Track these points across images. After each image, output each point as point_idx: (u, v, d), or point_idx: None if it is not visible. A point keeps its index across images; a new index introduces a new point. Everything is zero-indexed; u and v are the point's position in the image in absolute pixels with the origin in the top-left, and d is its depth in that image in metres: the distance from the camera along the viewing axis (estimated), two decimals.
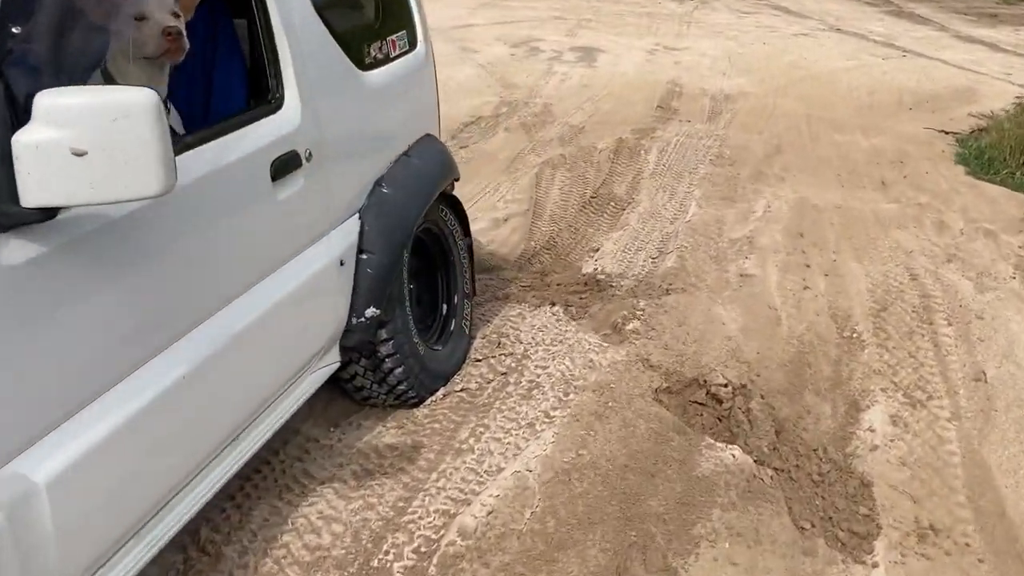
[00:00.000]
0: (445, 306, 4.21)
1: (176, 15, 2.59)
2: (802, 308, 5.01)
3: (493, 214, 6.58)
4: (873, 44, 13.43)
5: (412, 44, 4.05)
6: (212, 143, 2.67)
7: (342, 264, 3.34)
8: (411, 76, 3.98)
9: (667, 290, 5.19)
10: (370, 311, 3.48)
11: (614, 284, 5.30)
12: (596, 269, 5.69)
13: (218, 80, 3.24)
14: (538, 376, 4.08)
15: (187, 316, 2.56)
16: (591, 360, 4.23)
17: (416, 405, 3.88)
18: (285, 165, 2.97)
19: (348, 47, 3.44)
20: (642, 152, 7.89)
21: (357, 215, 3.48)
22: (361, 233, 3.47)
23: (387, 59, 3.77)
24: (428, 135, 4.10)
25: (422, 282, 4.18)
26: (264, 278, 2.95)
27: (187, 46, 2.57)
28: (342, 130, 3.33)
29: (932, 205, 6.84)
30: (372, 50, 3.65)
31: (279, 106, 3.03)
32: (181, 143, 2.48)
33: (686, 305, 4.96)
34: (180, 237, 2.52)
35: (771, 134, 8.60)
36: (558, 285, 5.32)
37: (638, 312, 4.77)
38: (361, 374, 3.70)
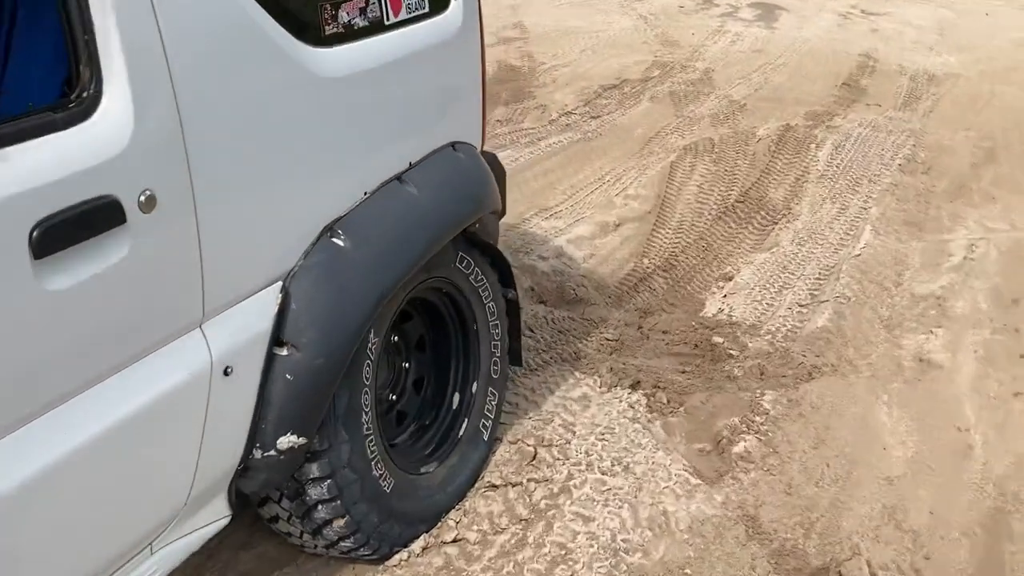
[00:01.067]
0: (457, 397, 2.72)
1: None
2: (1009, 432, 3.26)
3: (603, 215, 4.99)
4: None
5: (437, 2, 2.52)
6: None
7: (228, 373, 1.92)
8: (429, 54, 2.44)
9: (810, 370, 3.53)
10: (286, 440, 2.05)
11: (736, 350, 3.66)
12: (720, 312, 4.07)
13: (16, 60, 1.83)
14: (575, 535, 2.55)
15: None
16: (665, 513, 2.65)
17: (378, 561, 2.45)
18: (79, 226, 1.55)
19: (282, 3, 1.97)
20: (812, 145, 6.06)
21: (278, 286, 2.04)
22: (281, 317, 2.03)
23: (375, 26, 2.26)
24: (453, 145, 2.57)
25: (424, 359, 2.74)
26: (41, 415, 1.57)
27: None
28: (244, 148, 1.88)
29: None
30: (340, 11, 2.15)
31: (86, 113, 1.60)
32: None
33: (833, 405, 3.30)
34: None
35: (983, 133, 6.54)
36: (658, 339, 3.74)
37: (759, 415, 3.15)
38: (285, 517, 2.30)
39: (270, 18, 1.92)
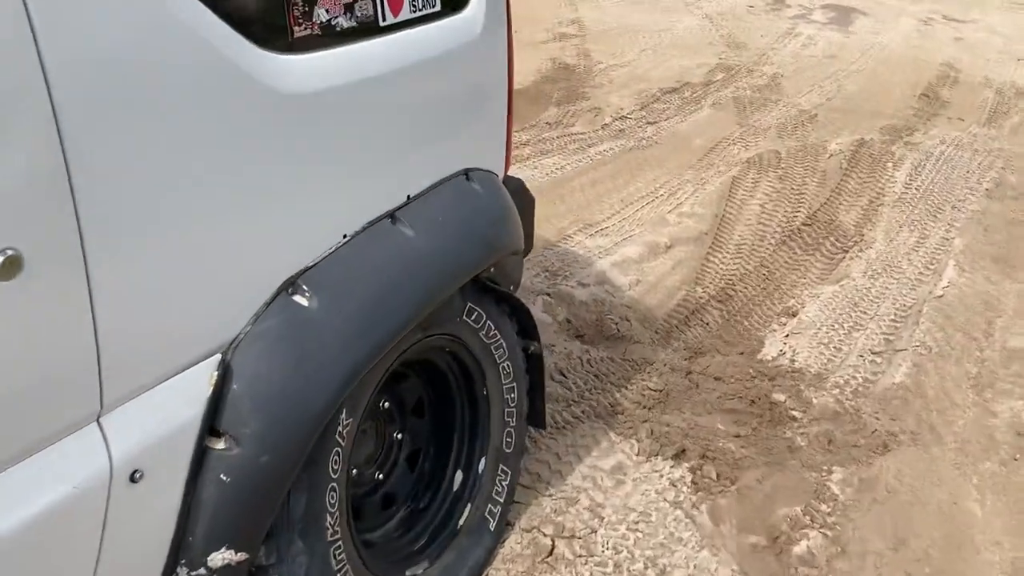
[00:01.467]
0: (459, 477, 2.21)
1: None
2: None
3: (654, 234, 4.45)
4: None
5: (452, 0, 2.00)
6: None
7: (137, 479, 1.44)
8: (439, 63, 1.93)
9: (886, 440, 2.96)
10: (221, 556, 1.56)
11: (800, 410, 3.10)
12: (781, 355, 3.51)
13: None
14: None
15: None
16: None
17: None
18: None
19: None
20: (889, 164, 5.43)
21: (215, 361, 1.55)
22: (217, 400, 1.55)
23: (365, 29, 1.75)
24: (467, 174, 2.06)
25: (422, 427, 2.23)
26: None
27: None
28: (166, 184, 1.39)
29: None
30: (316, 8, 1.65)
31: None
32: None
33: (913, 487, 2.73)
34: None
35: None
36: (710, 389, 3.20)
37: (826, 503, 2.59)
38: None
39: (211, 14, 1.43)
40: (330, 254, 1.71)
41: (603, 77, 6.88)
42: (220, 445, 1.55)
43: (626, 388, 3.16)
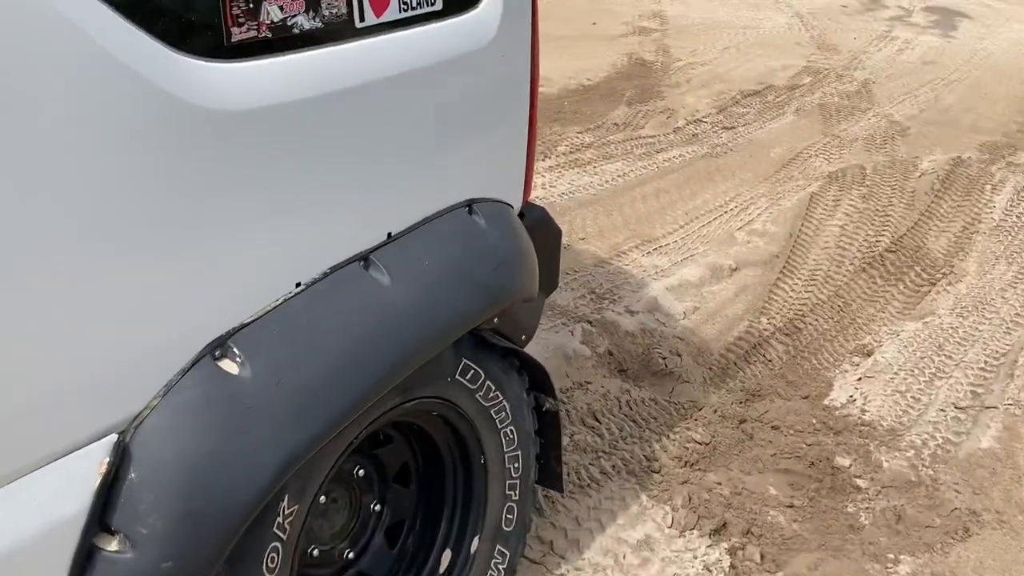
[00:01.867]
0: (447, 557, 1.85)
1: None
2: None
3: (719, 254, 4.02)
4: None
5: None
6: None
7: None
8: (436, 73, 1.57)
9: (967, 521, 2.51)
10: None
11: (866, 477, 2.67)
12: (850, 402, 3.08)
13: None
14: None
15: None
16: None
17: None
18: None
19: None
20: (988, 186, 4.88)
21: (109, 442, 1.22)
22: (110, 491, 1.22)
23: (336, 30, 1.40)
24: (469, 206, 1.70)
25: (406, 497, 1.88)
26: None
27: None
28: (41, 218, 1.07)
29: None
30: (263, 4, 1.31)
31: None
32: None
33: None
34: None
35: None
36: (764, 441, 2.79)
37: None
38: None
39: (104, 6, 1.09)
40: (274, 308, 1.37)
41: (681, 76, 6.44)
42: (112, 546, 1.23)
43: (667, 438, 2.76)
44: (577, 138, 5.21)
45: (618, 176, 4.72)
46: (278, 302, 1.38)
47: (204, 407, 1.27)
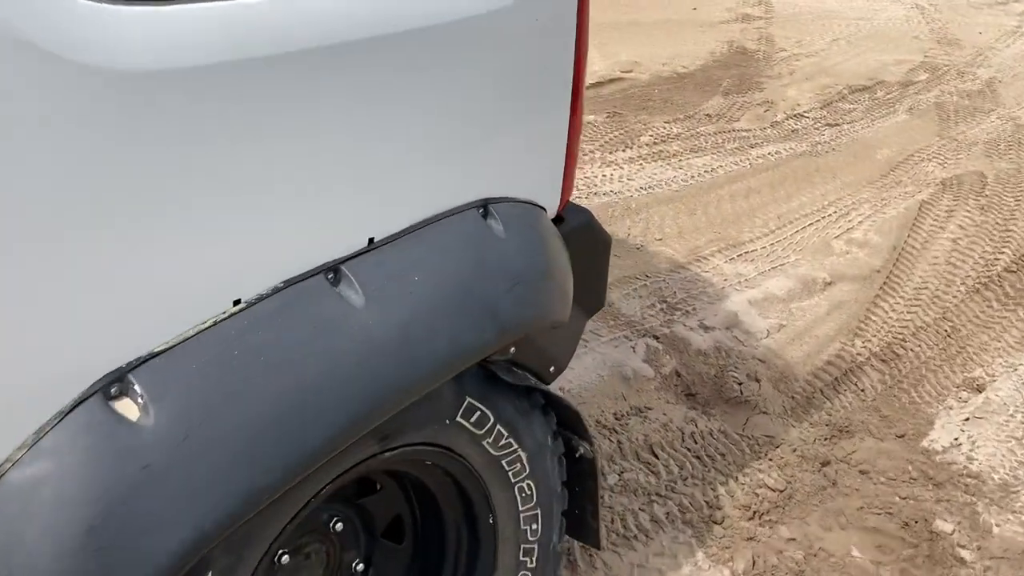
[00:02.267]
0: None
1: None
2: None
3: (812, 265, 3.56)
4: None
5: None
6: None
7: None
8: (443, 33, 1.22)
9: None
10: None
11: (971, 547, 2.21)
12: (955, 446, 2.63)
13: None
14: None
15: None
16: None
17: None
18: None
19: None
20: None
21: None
22: None
23: None
24: (483, 207, 1.34)
25: (398, 557, 1.53)
26: None
27: None
28: None
29: None
30: None
31: None
32: None
33: None
34: None
35: None
36: (850, 489, 2.36)
37: None
38: None
39: None
40: (198, 334, 1.03)
41: (784, 67, 5.92)
42: None
43: (735, 481, 2.36)
44: (664, 128, 4.78)
45: (705, 171, 4.28)
46: (204, 325, 1.04)
47: (84, 463, 0.95)
